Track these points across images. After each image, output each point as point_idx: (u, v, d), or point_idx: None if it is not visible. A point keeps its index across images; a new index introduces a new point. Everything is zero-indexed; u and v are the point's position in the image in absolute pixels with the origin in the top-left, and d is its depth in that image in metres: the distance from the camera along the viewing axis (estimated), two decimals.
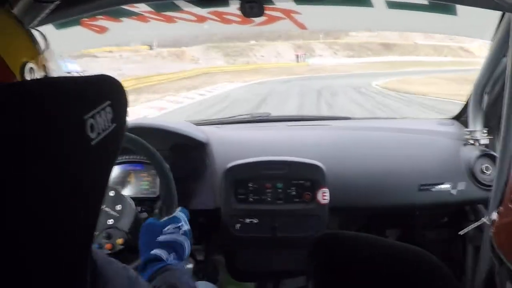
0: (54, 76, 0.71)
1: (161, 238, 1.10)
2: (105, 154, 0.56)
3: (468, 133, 1.78)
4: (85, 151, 0.51)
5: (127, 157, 1.61)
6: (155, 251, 1.07)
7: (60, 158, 0.48)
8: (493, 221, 1.17)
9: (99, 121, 0.53)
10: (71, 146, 0.49)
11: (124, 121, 0.60)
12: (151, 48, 33.75)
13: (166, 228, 1.13)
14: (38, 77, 0.66)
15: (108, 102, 0.55)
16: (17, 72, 0.63)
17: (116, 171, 1.64)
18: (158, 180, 1.59)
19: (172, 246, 1.11)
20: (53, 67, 0.72)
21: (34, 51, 0.69)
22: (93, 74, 0.58)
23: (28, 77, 0.64)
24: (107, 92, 0.58)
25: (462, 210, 1.87)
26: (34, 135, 0.45)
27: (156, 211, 1.35)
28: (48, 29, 1.43)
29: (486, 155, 1.70)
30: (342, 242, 0.58)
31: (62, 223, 0.49)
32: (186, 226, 1.18)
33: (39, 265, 0.47)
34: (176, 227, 1.15)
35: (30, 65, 0.64)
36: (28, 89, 0.48)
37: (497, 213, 1.19)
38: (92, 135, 0.51)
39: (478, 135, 1.75)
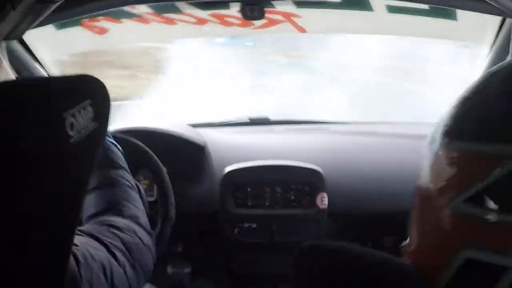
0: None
1: None
2: (86, 153, 0.56)
3: None
4: (64, 149, 0.51)
5: None
6: None
7: (38, 155, 0.48)
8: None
9: (79, 120, 0.53)
10: (49, 143, 0.49)
11: (106, 121, 0.61)
12: None
13: None
14: None
15: (88, 101, 0.55)
16: None
17: None
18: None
19: None
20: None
21: None
22: (74, 74, 0.59)
23: None
24: (87, 91, 0.58)
25: None
26: (11, 132, 0.45)
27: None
28: (49, 29, 1.44)
29: None
30: (322, 253, 0.58)
31: (41, 222, 0.49)
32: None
33: (20, 264, 0.47)
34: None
35: None
36: (5, 87, 0.48)
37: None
38: (72, 133, 0.51)
39: None
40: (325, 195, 1.56)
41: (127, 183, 0.96)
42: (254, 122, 2.09)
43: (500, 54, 1.51)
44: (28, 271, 0.48)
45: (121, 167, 0.98)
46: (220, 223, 1.60)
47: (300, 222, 1.58)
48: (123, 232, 0.80)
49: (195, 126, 1.91)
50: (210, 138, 1.79)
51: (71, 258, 0.61)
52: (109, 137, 1.04)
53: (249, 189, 1.60)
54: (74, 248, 0.64)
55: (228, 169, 1.62)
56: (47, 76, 0.65)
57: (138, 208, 0.92)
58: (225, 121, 2.11)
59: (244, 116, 2.11)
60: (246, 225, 1.59)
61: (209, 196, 1.67)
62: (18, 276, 0.47)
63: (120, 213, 0.87)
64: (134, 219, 0.87)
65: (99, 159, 0.60)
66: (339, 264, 0.54)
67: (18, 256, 0.47)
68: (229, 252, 1.65)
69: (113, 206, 0.88)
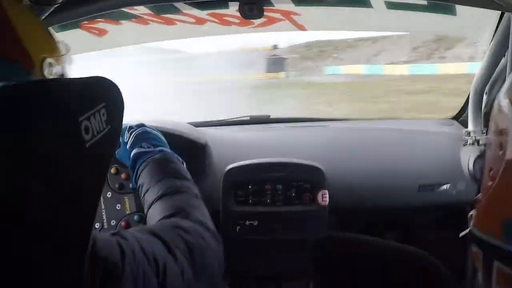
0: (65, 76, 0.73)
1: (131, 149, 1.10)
2: (100, 156, 0.56)
3: (467, 133, 1.77)
4: (79, 154, 0.51)
5: None
6: (135, 150, 1.06)
7: (54, 160, 0.48)
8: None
9: (94, 123, 0.53)
10: (65, 148, 0.49)
11: (119, 123, 0.61)
12: None
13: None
14: (55, 71, 0.69)
15: (103, 104, 0.56)
16: (38, 64, 0.64)
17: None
18: None
19: (145, 138, 1.10)
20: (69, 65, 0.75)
21: (55, 49, 0.71)
22: (89, 76, 0.58)
23: (46, 70, 0.66)
24: (102, 94, 0.58)
25: (462, 211, 1.86)
26: (28, 137, 0.45)
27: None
28: None
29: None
30: (343, 243, 0.58)
31: (58, 225, 0.49)
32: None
33: (36, 266, 0.47)
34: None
35: (49, 60, 0.66)
36: (23, 92, 0.48)
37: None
38: (87, 137, 0.52)
39: (477, 135, 1.74)
40: (326, 192, 1.57)
41: (193, 192, 0.97)
42: (255, 120, 2.10)
43: (499, 48, 1.51)
44: (39, 273, 0.48)
45: (186, 179, 1.00)
46: (221, 221, 1.61)
47: (301, 219, 1.58)
48: (189, 233, 0.79)
49: (196, 125, 1.92)
50: (212, 136, 1.79)
51: (117, 250, 0.61)
52: (173, 153, 1.09)
53: (250, 187, 1.60)
54: (122, 241, 0.63)
55: (229, 167, 1.62)
56: (65, 78, 0.66)
57: (205, 215, 0.92)
58: (226, 119, 2.12)
59: (245, 114, 2.12)
60: (247, 222, 1.59)
61: (211, 194, 1.67)
62: (31, 277, 0.47)
63: (187, 217, 0.86)
64: (203, 224, 0.87)
65: (112, 160, 0.60)
66: (360, 253, 0.55)
67: (31, 257, 0.47)
68: (230, 250, 1.66)
69: (180, 211, 0.88)
